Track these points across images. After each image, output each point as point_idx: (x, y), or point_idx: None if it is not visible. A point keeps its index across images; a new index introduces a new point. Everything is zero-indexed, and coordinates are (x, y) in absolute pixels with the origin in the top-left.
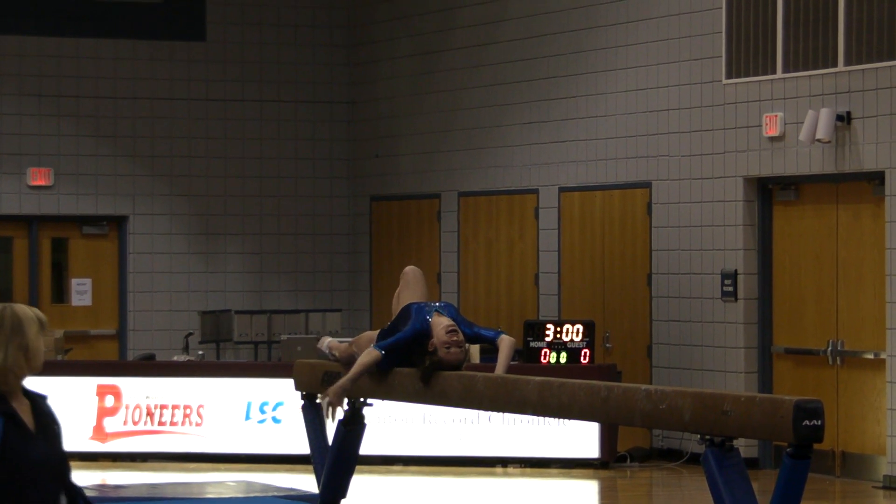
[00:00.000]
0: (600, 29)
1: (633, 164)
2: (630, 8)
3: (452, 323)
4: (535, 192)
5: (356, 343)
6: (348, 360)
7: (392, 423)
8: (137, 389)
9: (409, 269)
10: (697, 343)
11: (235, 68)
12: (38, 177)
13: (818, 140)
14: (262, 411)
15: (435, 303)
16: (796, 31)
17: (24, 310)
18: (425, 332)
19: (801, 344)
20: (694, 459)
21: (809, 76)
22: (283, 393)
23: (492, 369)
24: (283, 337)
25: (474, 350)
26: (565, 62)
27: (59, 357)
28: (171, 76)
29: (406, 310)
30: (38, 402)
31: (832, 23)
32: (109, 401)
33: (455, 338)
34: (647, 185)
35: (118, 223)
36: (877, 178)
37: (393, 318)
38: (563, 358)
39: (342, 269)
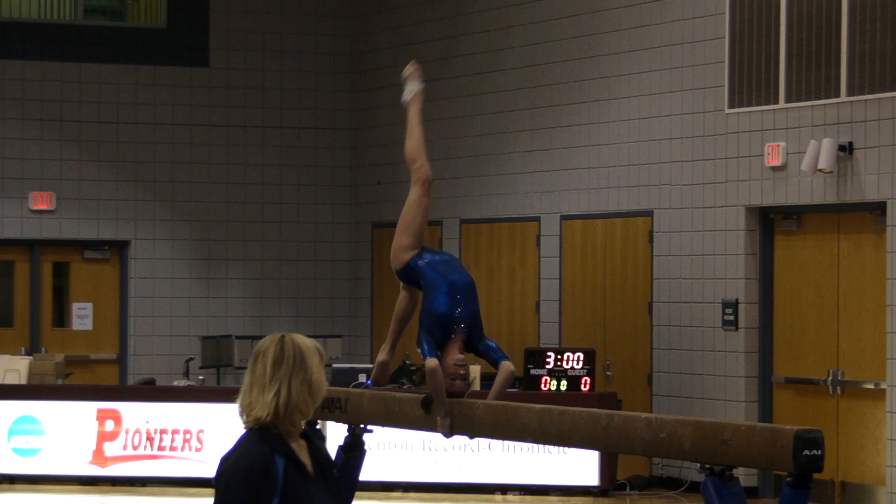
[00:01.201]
0: (603, 58)
1: (635, 193)
2: (633, 37)
3: (462, 357)
4: (537, 219)
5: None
6: (379, 376)
7: (392, 450)
8: (137, 414)
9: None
10: (698, 372)
11: (238, 94)
12: (40, 201)
13: (820, 170)
14: None
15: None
16: (799, 62)
17: (305, 341)
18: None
19: (802, 373)
20: (694, 488)
21: (812, 106)
22: None
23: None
24: None
25: (476, 375)
26: (568, 91)
27: (60, 381)
28: (173, 101)
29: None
30: (314, 443)
31: (835, 53)
32: (109, 425)
33: (462, 371)
34: (648, 213)
35: (120, 248)
36: (878, 209)
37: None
38: (564, 385)
39: (343, 295)
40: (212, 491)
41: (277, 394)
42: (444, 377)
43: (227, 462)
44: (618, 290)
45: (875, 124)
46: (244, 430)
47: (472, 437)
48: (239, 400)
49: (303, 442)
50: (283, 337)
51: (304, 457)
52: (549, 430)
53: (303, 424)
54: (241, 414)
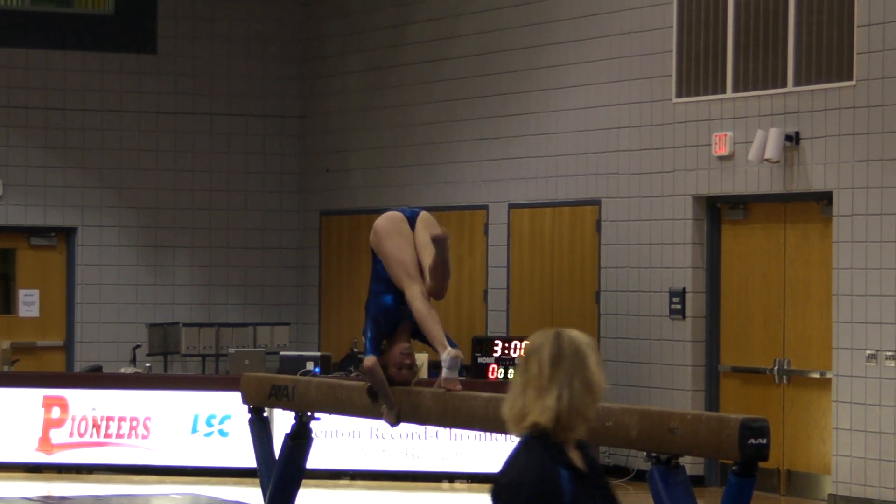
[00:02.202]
0: (551, 46)
1: (583, 182)
2: (581, 26)
3: (408, 346)
4: (485, 208)
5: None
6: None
7: (339, 438)
8: (84, 401)
9: (382, 221)
10: (645, 360)
11: (186, 81)
12: None
13: (767, 160)
14: (210, 424)
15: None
16: (746, 52)
17: (581, 336)
18: (392, 311)
19: (748, 362)
20: (640, 476)
21: (759, 96)
22: (231, 406)
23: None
24: (231, 350)
25: (423, 363)
26: (516, 79)
27: (6, 368)
28: (121, 88)
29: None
30: (587, 453)
31: (782, 44)
32: (56, 412)
33: (408, 361)
34: (596, 202)
35: (67, 235)
36: (825, 199)
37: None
38: (511, 374)
39: (291, 283)
40: (159, 478)
41: (559, 397)
42: (391, 366)
43: (506, 477)
44: (565, 278)
45: (821, 114)
46: (520, 440)
47: (420, 424)
48: (508, 404)
49: (578, 451)
50: (558, 333)
51: (584, 467)
52: (497, 418)
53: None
54: (512, 420)
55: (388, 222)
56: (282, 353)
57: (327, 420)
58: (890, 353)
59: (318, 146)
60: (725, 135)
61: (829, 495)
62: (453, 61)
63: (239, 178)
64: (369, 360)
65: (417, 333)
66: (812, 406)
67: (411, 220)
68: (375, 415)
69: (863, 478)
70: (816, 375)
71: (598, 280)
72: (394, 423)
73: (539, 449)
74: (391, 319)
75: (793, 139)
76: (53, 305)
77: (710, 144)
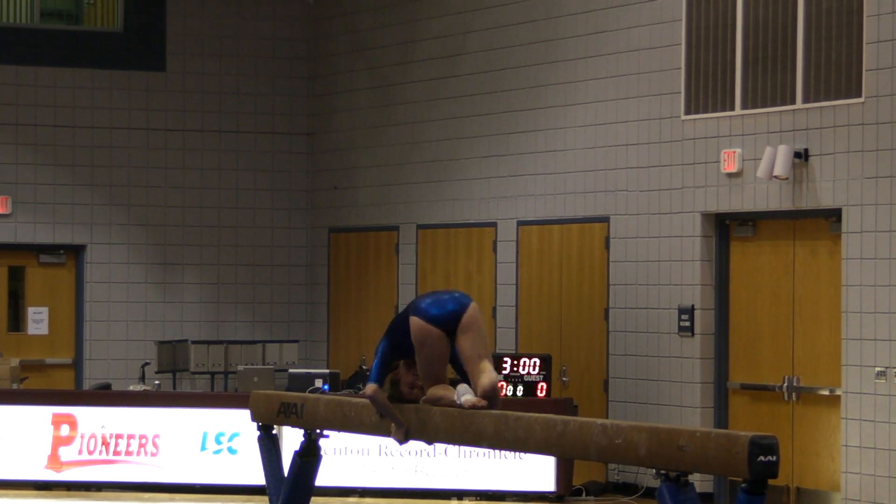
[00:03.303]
0: (559, 64)
1: (592, 199)
2: (589, 43)
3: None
4: (494, 225)
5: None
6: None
7: (348, 455)
8: (93, 419)
9: (418, 331)
10: (654, 378)
11: (195, 99)
12: None
13: (776, 177)
14: (218, 441)
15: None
16: (755, 69)
17: None
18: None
19: (757, 380)
20: (649, 494)
21: (768, 113)
22: (240, 423)
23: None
24: (240, 367)
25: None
26: (524, 96)
27: (15, 386)
28: (130, 105)
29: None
30: None
31: (791, 60)
32: (65, 430)
33: (419, 382)
34: (605, 219)
35: (76, 252)
36: (834, 216)
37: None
38: (520, 391)
39: (300, 300)
40: (168, 495)
41: None
42: (403, 384)
43: None
44: (574, 295)
45: (830, 131)
46: None
47: (429, 442)
48: None
49: None
50: None
51: None
52: (505, 436)
53: None
54: None
55: (425, 336)
56: (290, 370)
57: (336, 437)
58: None
59: (327, 163)
60: (734, 152)
61: None
62: (461, 78)
63: (247, 195)
64: (370, 388)
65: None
66: (821, 423)
67: (454, 318)
68: (384, 432)
69: (872, 495)
70: (826, 392)
71: (607, 297)
72: (402, 440)
73: None
74: (411, 351)
75: (802, 156)
76: (62, 323)
77: (718, 161)
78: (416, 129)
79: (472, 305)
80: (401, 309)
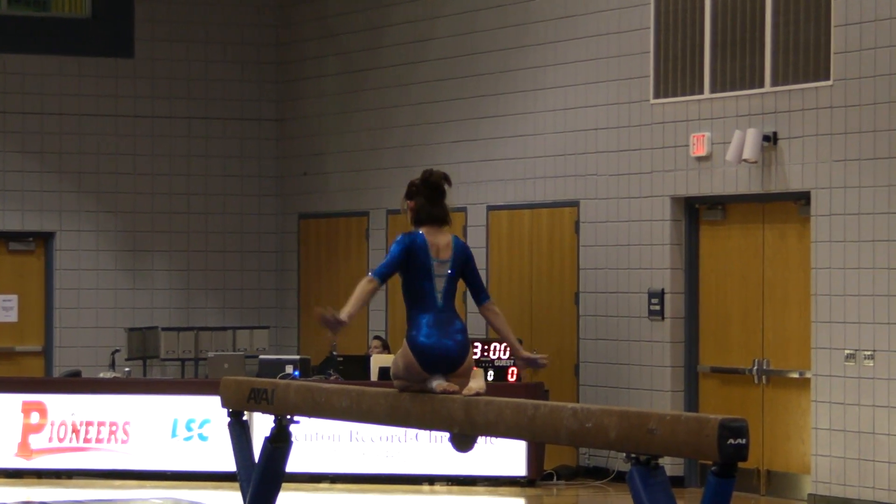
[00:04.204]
0: (529, 48)
1: (562, 183)
2: (559, 28)
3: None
4: (464, 210)
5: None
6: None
7: (319, 441)
8: (63, 406)
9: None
10: (624, 362)
11: (163, 85)
12: None
13: (745, 160)
14: (189, 428)
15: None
16: (724, 52)
17: None
18: (417, 246)
19: (727, 363)
20: (620, 477)
21: (736, 96)
22: (210, 410)
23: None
24: (211, 354)
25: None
26: (494, 81)
27: None
28: (98, 92)
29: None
30: None
31: (759, 44)
32: (35, 417)
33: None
34: (574, 203)
35: (45, 239)
36: (803, 199)
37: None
38: (491, 376)
39: (270, 286)
40: (139, 482)
41: None
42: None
43: None
44: (544, 280)
45: (799, 114)
46: None
47: (400, 427)
48: None
49: None
50: None
51: None
52: (476, 421)
53: None
54: None
55: (410, 370)
56: (261, 356)
57: (307, 423)
58: (868, 353)
59: (296, 149)
60: (703, 135)
61: (809, 495)
62: (430, 63)
63: (217, 181)
64: (367, 278)
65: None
66: (791, 406)
67: (449, 366)
68: (355, 418)
69: (842, 477)
70: (795, 375)
71: (577, 281)
72: (330, 329)
73: None
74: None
75: (770, 139)
76: (32, 310)
77: (687, 145)
78: (385, 114)
79: (470, 353)
80: None
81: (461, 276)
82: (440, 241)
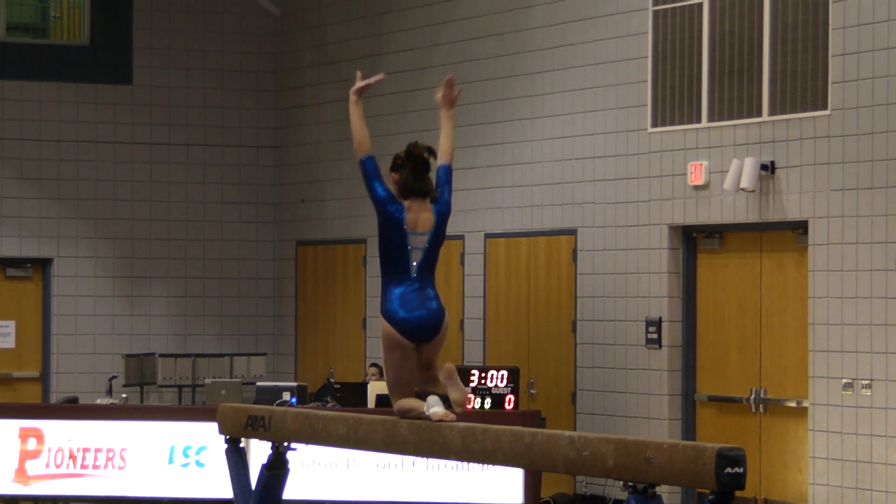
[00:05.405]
0: (527, 77)
1: (559, 211)
2: (556, 56)
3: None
4: (461, 238)
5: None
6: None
7: (316, 468)
8: (60, 432)
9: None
10: (622, 390)
11: (161, 112)
12: None
13: (742, 189)
14: (186, 455)
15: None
16: (721, 81)
17: None
18: (395, 217)
19: (725, 391)
20: None
21: (734, 125)
22: (207, 437)
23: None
24: (208, 381)
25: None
26: (491, 109)
27: None
28: (96, 119)
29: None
30: None
31: (756, 73)
32: (32, 443)
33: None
34: (572, 231)
35: (42, 266)
36: (800, 228)
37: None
38: (488, 404)
39: (267, 313)
40: None
41: None
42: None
43: None
44: (542, 308)
45: (797, 143)
46: None
47: (396, 454)
48: None
49: None
50: None
51: None
52: (473, 448)
53: None
54: None
55: (393, 343)
56: (258, 383)
57: (304, 450)
58: (866, 382)
59: (294, 177)
60: (701, 164)
61: None
62: (428, 91)
63: (214, 208)
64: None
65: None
66: (788, 435)
67: (428, 332)
68: (352, 445)
69: None
70: (793, 404)
71: (575, 309)
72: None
73: None
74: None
75: (768, 168)
76: (29, 336)
77: (685, 174)
78: (383, 142)
79: (446, 317)
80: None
81: (439, 245)
82: (421, 215)
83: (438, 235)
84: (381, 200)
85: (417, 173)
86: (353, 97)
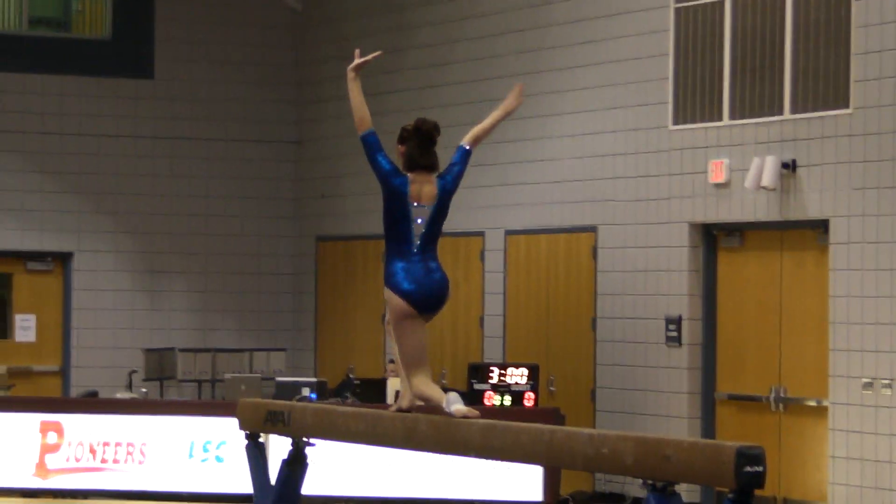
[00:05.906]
0: (547, 73)
1: (579, 209)
2: (577, 53)
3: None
4: (482, 234)
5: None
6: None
7: (336, 464)
8: (80, 426)
9: (396, 306)
10: (641, 388)
11: (183, 106)
12: None
13: (763, 187)
14: (206, 450)
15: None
16: (743, 79)
17: None
18: (398, 189)
19: (744, 390)
20: (636, 503)
21: (755, 123)
22: (227, 432)
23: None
24: (227, 376)
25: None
26: None
27: (2, 393)
28: (118, 113)
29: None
30: None
31: (778, 71)
32: (52, 437)
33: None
34: (592, 229)
35: (63, 259)
36: (821, 226)
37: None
38: (508, 401)
39: (287, 308)
40: (154, 503)
41: None
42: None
43: None
44: (561, 305)
45: (818, 142)
46: None
47: (415, 450)
48: None
49: None
50: None
51: None
52: (493, 445)
53: None
54: None
55: (404, 316)
56: (278, 378)
57: (323, 446)
58: (886, 382)
59: (314, 171)
60: (722, 162)
61: None
62: (448, 87)
63: (235, 203)
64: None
65: None
66: (808, 434)
67: (437, 303)
68: (371, 441)
69: None
70: (813, 403)
71: (595, 307)
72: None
73: None
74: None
75: (789, 167)
76: (50, 330)
77: (706, 172)
78: None
79: (449, 287)
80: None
81: (442, 218)
82: (424, 188)
83: (441, 208)
84: (385, 173)
85: (423, 147)
86: (350, 74)
